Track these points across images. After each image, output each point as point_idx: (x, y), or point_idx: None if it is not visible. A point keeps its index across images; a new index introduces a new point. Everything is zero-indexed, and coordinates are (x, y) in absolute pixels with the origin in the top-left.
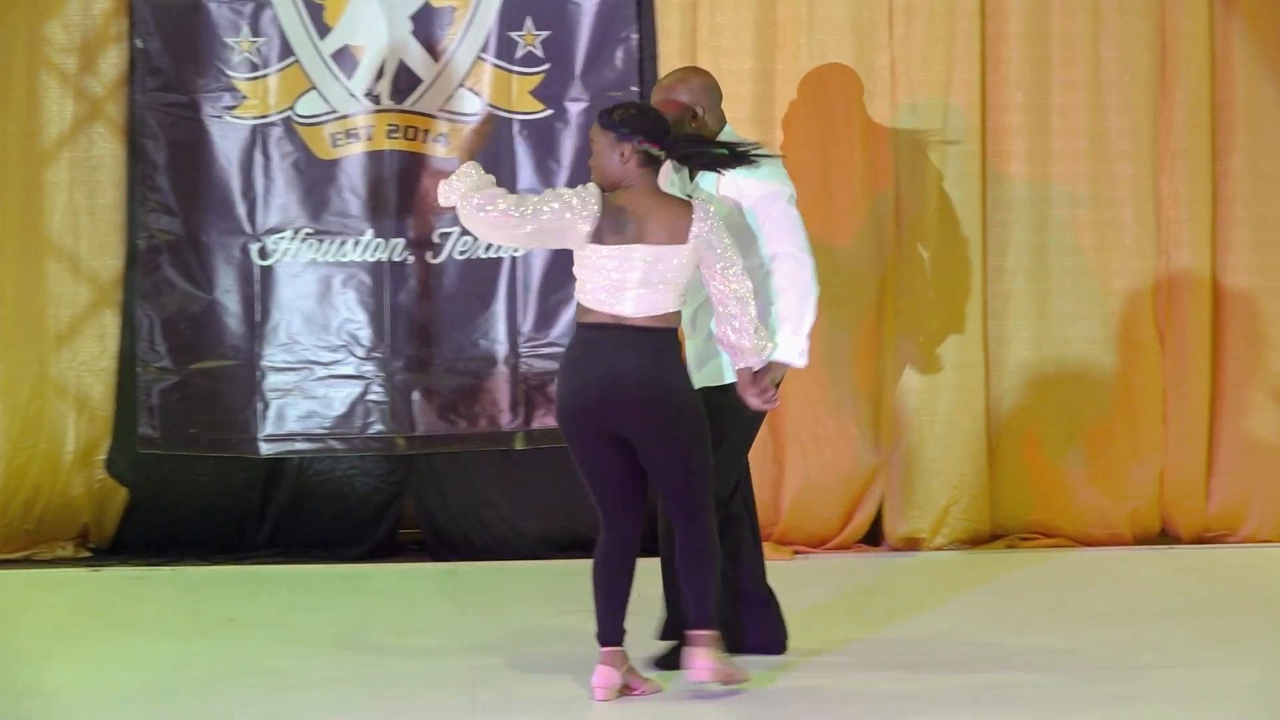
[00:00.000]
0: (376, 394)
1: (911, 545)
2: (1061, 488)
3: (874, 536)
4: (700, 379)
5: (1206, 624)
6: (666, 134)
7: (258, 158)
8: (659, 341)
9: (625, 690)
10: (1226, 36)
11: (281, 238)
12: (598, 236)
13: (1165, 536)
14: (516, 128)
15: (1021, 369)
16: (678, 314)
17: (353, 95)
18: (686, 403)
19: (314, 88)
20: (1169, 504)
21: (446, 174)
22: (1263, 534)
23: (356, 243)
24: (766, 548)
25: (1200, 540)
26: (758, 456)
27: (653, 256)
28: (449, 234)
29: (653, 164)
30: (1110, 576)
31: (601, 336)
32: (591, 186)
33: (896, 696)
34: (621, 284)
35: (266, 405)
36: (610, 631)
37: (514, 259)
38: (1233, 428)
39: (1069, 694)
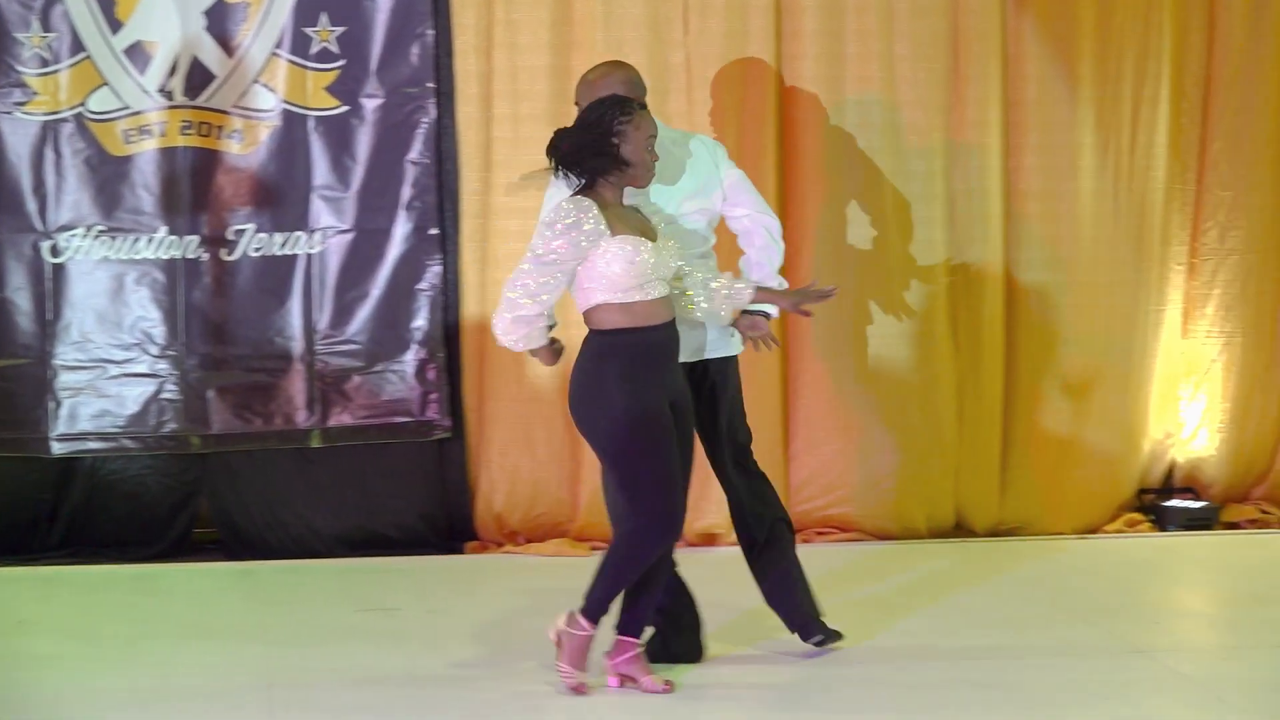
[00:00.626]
0: (171, 392)
1: (709, 540)
2: (859, 481)
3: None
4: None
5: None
6: None
7: (49, 154)
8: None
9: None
10: (1018, 35)
11: (73, 235)
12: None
13: (960, 529)
14: (312, 124)
15: (818, 365)
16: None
17: (145, 91)
18: None
19: (106, 84)
20: (964, 498)
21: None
22: (1055, 526)
23: (150, 240)
24: (563, 544)
25: (994, 533)
26: (556, 452)
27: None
28: (243, 231)
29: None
30: (903, 570)
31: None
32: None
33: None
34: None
35: (59, 404)
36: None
37: (309, 256)
38: (1026, 422)
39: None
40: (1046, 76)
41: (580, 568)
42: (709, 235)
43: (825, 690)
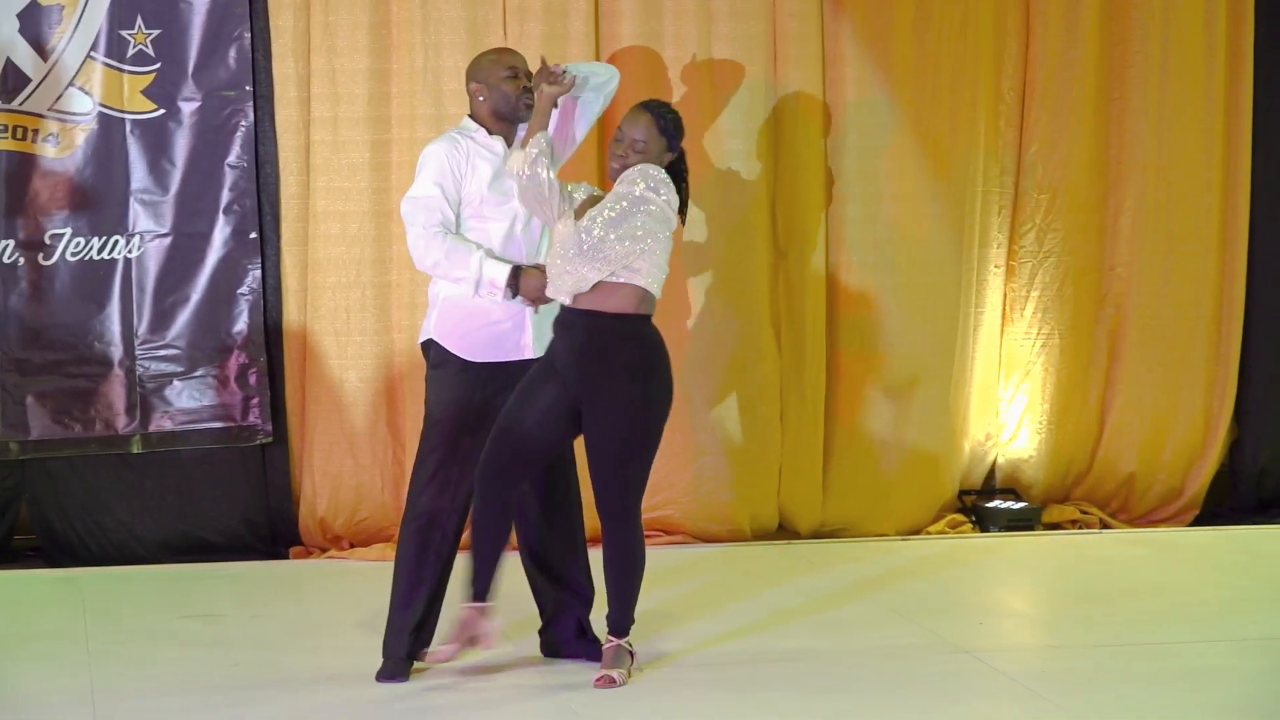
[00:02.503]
0: None
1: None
2: (683, 484)
3: None
4: None
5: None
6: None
7: None
8: None
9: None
10: (836, 38)
11: None
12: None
13: (783, 531)
14: (129, 127)
15: None
16: None
17: None
18: None
19: None
20: (786, 499)
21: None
22: (878, 528)
23: None
24: (387, 548)
25: (818, 535)
26: (379, 456)
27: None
28: (60, 235)
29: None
30: (729, 572)
31: None
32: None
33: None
34: None
35: None
36: None
37: (128, 260)
38: (847, 423)
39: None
40: (865, 79)
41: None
42: None
43: (653, 693)
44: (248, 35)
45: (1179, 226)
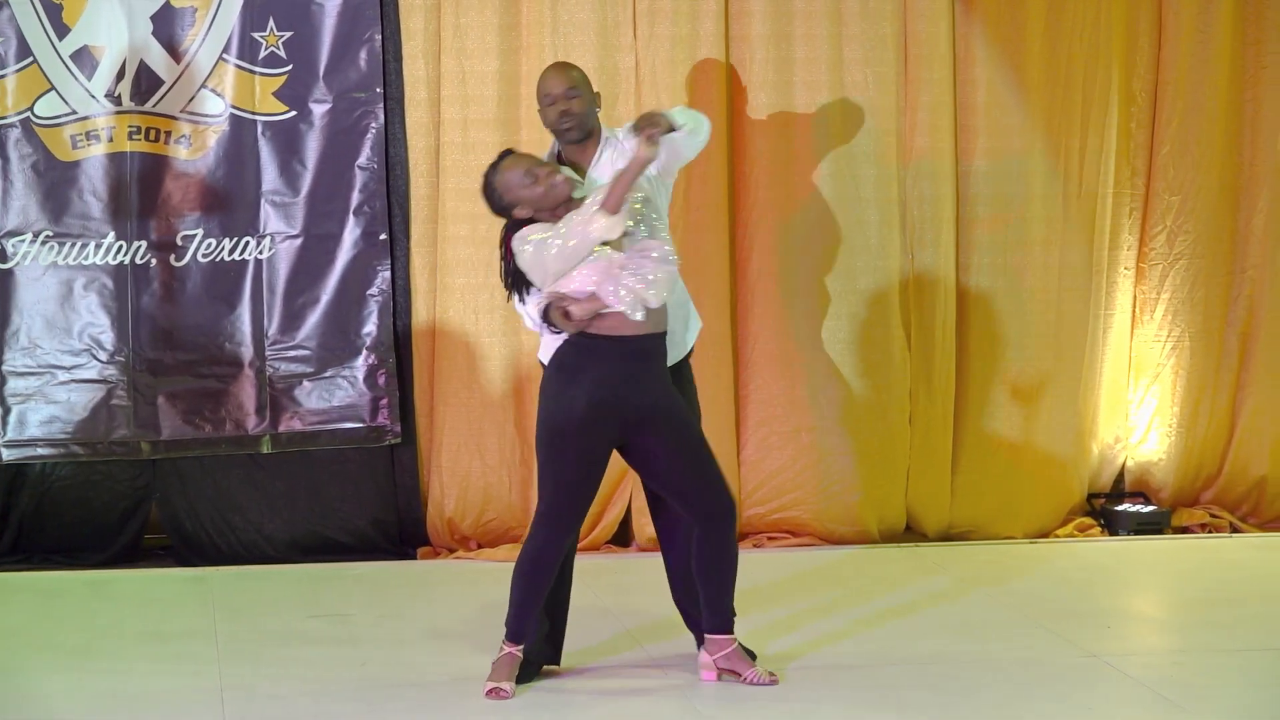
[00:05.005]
0: (120, 398)
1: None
2: (811, 485)
3: (623, 537)
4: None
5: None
6: None
7: None
8: None
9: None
10: (967, 39)
11: (21, 240)
12: None
13: (911, 533)
14: (260, 129)
15: (768, 369)
16: None
17: (93, 96)
18: None
19: (53, 88)
20: (914, 501)
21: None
22: (1006, 530)
23: (98, 245)
24: (514, 549)
25: (945, 537)
26: (507, 457)
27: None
28: (192, 236)
29: None
30: (858, 574)
31: None
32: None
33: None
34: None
35: (8, 410)
36: None
37: (259, 261)
38: (976, 426)
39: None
40: (995, 81)
41: None
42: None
43: (778, 699)
44: (378, 37)
45: None
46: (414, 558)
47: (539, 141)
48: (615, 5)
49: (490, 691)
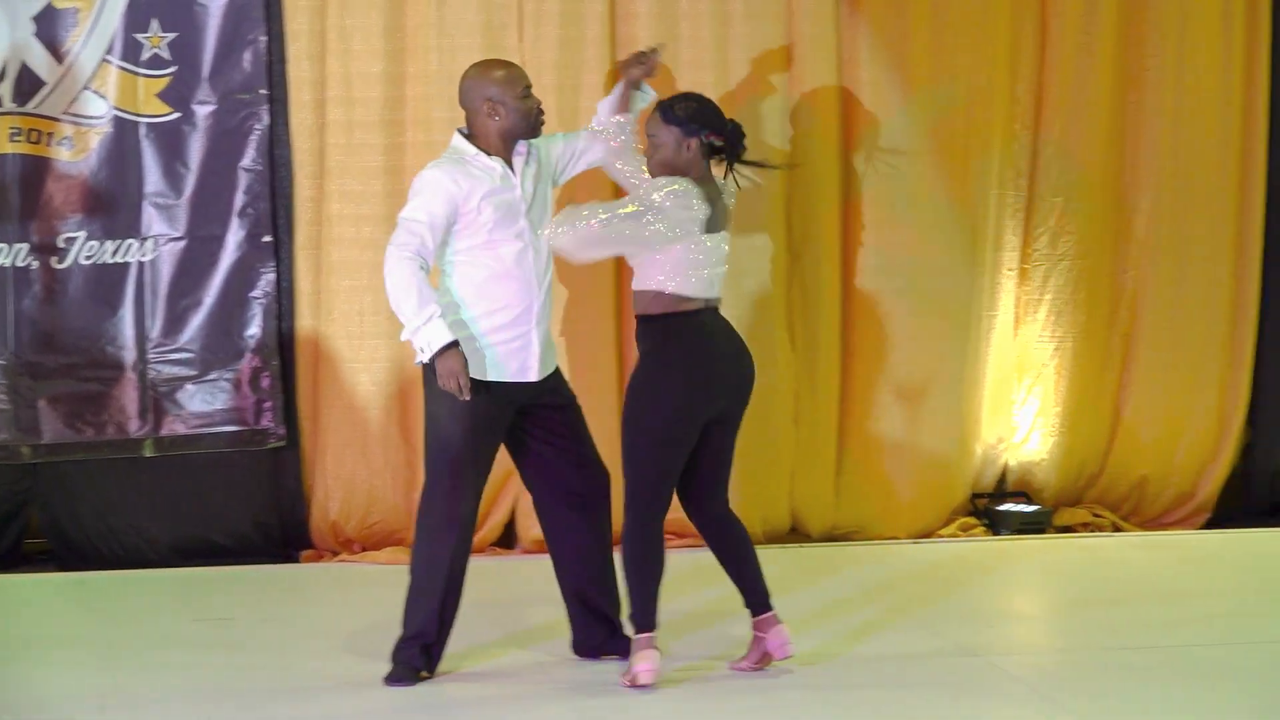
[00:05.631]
0: (0, 401)
1: (544, 548)
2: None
3: (508, 539)
4: None
5: (834, 619)
6: (725, 125)
7: None
8: None
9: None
10: (852, 41)
11: None
12: (708, 226)
13: (795, 534)
14: (143, 131)
15: None
16: None
17: None
18: None
19: None
20: (799, 502)
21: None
22: (890, 530)
23: None
24: (398, 552)
25: (830, 538)
26: (392, 459)
27: (725, 243)
28: (74, 239)
29: (712, 154)
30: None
31: (711, 320)
32: (686, 181)
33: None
34: (715, 269)
35: None
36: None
37: (141, 264)
38: (860, 427)
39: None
40: (880, 82)
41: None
42: None
43: (663, 698)
44: (263, 39)
45: (1193, 229)
46: (298, 561)
47: (424, 144)
48: (501, 7)
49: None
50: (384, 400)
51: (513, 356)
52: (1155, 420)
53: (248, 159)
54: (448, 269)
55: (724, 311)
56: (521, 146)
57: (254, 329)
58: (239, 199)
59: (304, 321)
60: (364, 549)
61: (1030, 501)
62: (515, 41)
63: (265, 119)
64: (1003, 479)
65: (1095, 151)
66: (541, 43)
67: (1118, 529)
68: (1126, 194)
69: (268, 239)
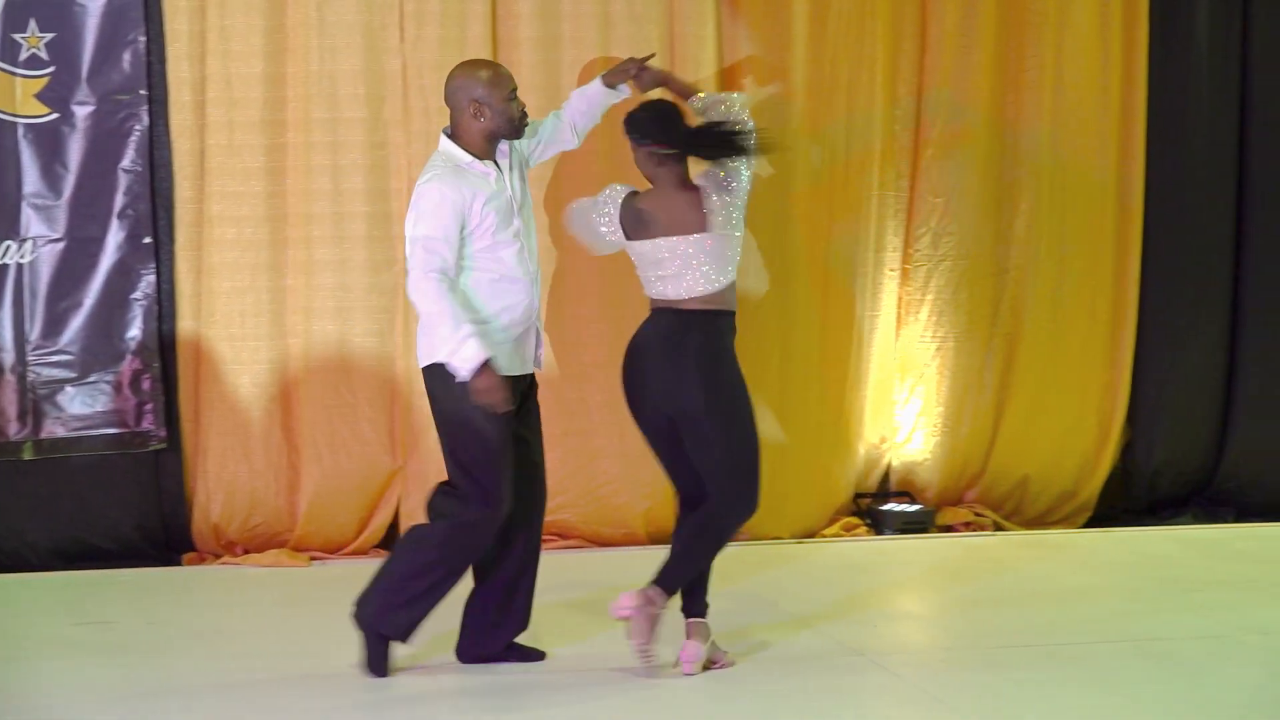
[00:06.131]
0: None
1: None
2: (580, 488)
3: (391, 540)
4: None
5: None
6: (675, 132)
7: None
8: (708, 321)
9: (709, 664)
10: (733, 42)
11: None
12: (629, 234)
13: (656, 540)
14: (21, 132)
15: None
16: (725, 292)
17: None
18: (725, 378)
19: None
20: (657, 507)
21: None
22: (773, 531)
23: None
24: (281, 554)
25: None
26: (274, 461)
27: (678, 246)
28: None
29: (674, 160)
30: (615, 575)
31: (654, 322)
32: (614, 191)
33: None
34: (664, 272)
35: None
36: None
37: (20, 265)
38: None
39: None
40: (761, 83)
41: (299, 577)
42: None
43: (569, 700)
44: (142, 39)
45: (1073, 231)
46: (180, 564)
47: (305, 145)
48: (382, 8)
49: (723, 662)
50: (266, 402)
51: (518, 351)
52: (1036, 420)
53: (127, 160)
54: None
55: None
56: (504, 146)
57: (134, 331)
58: (119, 200)
59: (185, 323)
60: (246, 551)
61: (913, 501)
62: (396, 42)
63: (145, 120)
64: (886, 479)
65: (975, 153)
66: (423, 43)
67: (1000, 528)
68: (1007, 195)
69: (148, 240)
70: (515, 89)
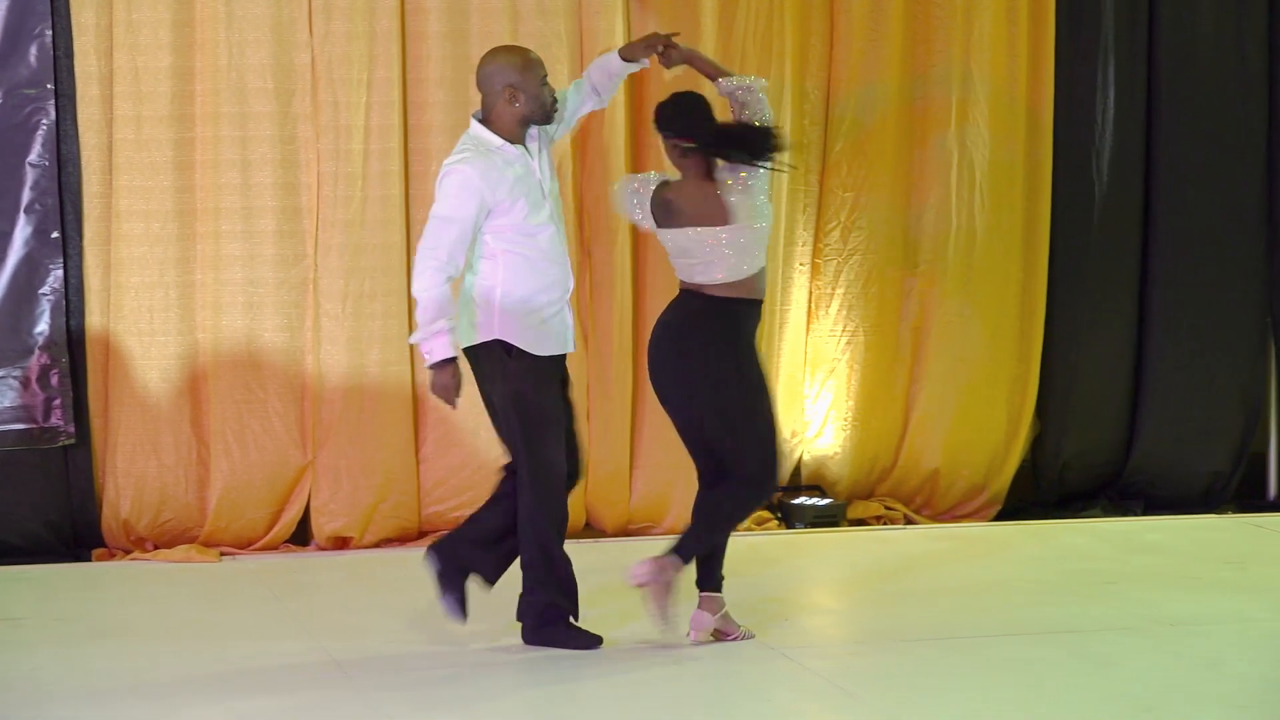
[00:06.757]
0: None
1: (340, 545)
2: (488, 483)
3: (302, 536)
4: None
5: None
6: (698, 129)
7: None
8: (731, 307)
9: (718, 635)
10: (641, 34)
11: None
12: (659, 223)
13: (590, 530)
14: None
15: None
16: (751, 280)
17: None
18: (741, 363)
19: None
20: (594, 498)
21: None
22: (683, 526)
23: None
24: (191, 550)
25: (624, 533)
26: (184, 457)
27: (703, 237)
28: None
29: (698, 153)
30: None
31: (685, 301)
32: (648, 179)
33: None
34: (691, 260)
35: None
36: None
37: None
38: (653, 422)
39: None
40: (674, 78)
41: (210, 573)
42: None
43: (469, 694)
44: (49, 32)
45: (982, 224)
46: (89, 560)
47: (213, 139)
48: (290, 2)
49: (737, 634)
50: (175, 397)
51: (560, 331)
52: (946, 414)
53: (34, 154)
54: (494, 258)
55: None
56: (532, 130)
57: (43, 326)
58: (26, 195)
59: (94, 319)
60: (156, 547)
61: (824, 495)
62: (305, 36)
63: (52, 114)
64: (797, 473)
65: (884, 147)
66: (331, 37)
67: (910, 522)
68: (915, 189)
69: (56, 235)
70: (547, 74)
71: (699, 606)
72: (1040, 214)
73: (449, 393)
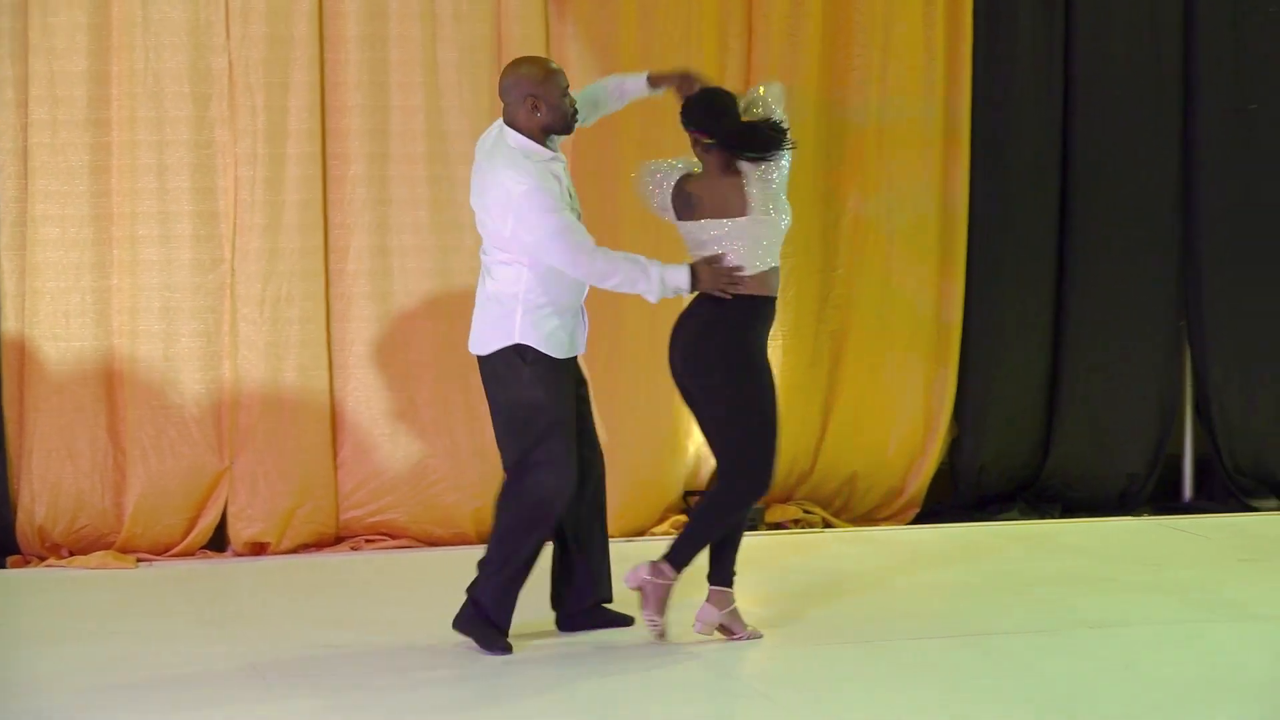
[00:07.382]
0: None
1: (258, 550)
2: (408, 487)
3: (219, 542)
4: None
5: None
6: (718, 125)
7: None
8: (738, 303)
9: (724, 632)
10: (561, 41)
11: None
12: (679, 214)
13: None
14: None
15: (365, 372)
16: (764, 276)
17: None
18: (739, 360)
19: None
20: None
21: None
22: None
23: None
24: (107, 556)
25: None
26: (100, 463)
27: (718, 229)
28: None
29: (717, 148)
30: (447, 575)
31: (699, 296)
32: (671, 170)
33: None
34: (706, 253)
35: None
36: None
37: None
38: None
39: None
40: (590, 80)
41: (126, 579)
42: None
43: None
44: None
45: (899, 228)
46: (4, 566)
47: (129, 144)
48: (207, 5)
49: (742, 634)
50: (91, 403)
51: (577, 333)
52: (864, 417)
53: None
54: (517, 265)
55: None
56: (553, 140)
57: None
58: None
59: (9, 324)
60: (72, 553)
61: None
62: (223, 39)
63: None
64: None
65: (803, 149)
66: (249, 41)
67: (828, 525)
68: (834, 192)
69: None
70: (568, 85)
71: (707, 600)
72: (958, 217)
73: (725, 275)
